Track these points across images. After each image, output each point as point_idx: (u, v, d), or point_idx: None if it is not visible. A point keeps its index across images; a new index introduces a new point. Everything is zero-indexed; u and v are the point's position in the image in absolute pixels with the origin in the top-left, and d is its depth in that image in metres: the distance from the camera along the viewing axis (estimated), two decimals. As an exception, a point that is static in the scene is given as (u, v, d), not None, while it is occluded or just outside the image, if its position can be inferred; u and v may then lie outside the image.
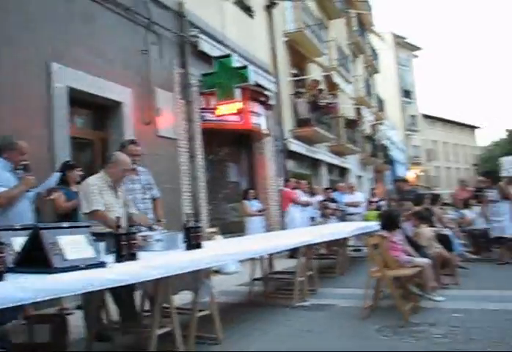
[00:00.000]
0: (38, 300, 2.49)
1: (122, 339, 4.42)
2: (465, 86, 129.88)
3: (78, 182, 5.43)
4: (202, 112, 10.20)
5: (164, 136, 8.79)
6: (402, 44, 41.66)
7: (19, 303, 2.38)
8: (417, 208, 7.91)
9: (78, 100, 7.04)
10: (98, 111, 7.83)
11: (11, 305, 2.31)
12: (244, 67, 10.27)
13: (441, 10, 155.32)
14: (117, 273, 3.00)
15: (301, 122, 15.33)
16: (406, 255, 5.94)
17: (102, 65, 7.36)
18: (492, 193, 9.35)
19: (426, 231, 6.86)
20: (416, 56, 46.42)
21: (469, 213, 10.57)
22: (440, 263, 6.69)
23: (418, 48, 45.47)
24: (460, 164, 54.64)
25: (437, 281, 6.47)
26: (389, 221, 6.10)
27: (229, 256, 4.47)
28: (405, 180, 13.88)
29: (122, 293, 4.37)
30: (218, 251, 4.32)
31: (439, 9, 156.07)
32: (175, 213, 8.38)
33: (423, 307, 5.49)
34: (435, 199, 9.66)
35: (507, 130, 43.53)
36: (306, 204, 12.18)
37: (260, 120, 11.74)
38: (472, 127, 58.87)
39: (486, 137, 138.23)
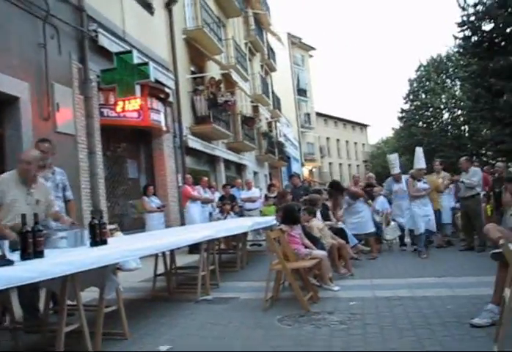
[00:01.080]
0: None
1: (27, 338, 4.36)
2: (357, 86, 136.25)
3: None
4: (102, 108, 10.06)
5: (63, 131, 8.64)
6: (297, 44, 42.91)
7: None
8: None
9: None
10: None
11: None
12: (145, 64, 10.20)
13: (334, 12, 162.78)
14: (25, 270, 2.99)
15: (199, 119, 15.51)
16: (305, 248, 6.18)
17: None
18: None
19: (316, 223, 7.19)
20: (311, 56, 47.82)
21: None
22: (336, 254, 7.06)
23: (312, 48, 46.99)
24: (352, 161, 57.43)
25: (337, 270, 6.93)
26: (289, 216, 6.36)
27: (134, 252, 4.48)
28: (297, 176, 14.58)
29: (26, 291, 4.33)
30: (123, 247, 4.33)
31: (332, 11, 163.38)
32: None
33: (322, 297, 5.72)
34: (332, 193, 9.93)
35: (393, 129, 46.16)
36: (206, 201, 12.31)
37: (159, 117, 11.73)
38: (363, 126, 61.64)
39: (376, 135, 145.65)
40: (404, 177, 10.24)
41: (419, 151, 9.65)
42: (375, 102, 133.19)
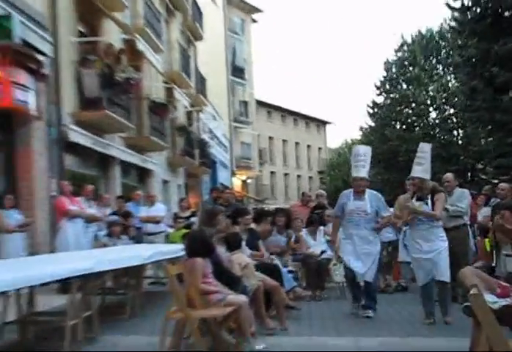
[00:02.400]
0: None
1: None
2: (315, 68, 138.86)
3: None
4: None
5: None
6: (236, 3, 44.36)
7: None
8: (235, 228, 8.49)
9: None
10: None
11: None
12: (7, 17, 10.28)
13: None
14: None
15: (87, 103, 15.50)
16: (217, 289, 6.35)
17: None
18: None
19: (239, 257, 7.43)
20: (255, 21, 49.45)
21: (308, 237, 11.50)
22: (263, 301, 7.23)
23: (258, 10, 48.58)
24: (302, 170, 59.48)
25: (263, 323, 7.05)
26: (198, 245, 6.48)
27: None
28: (224, 189, 14.71)
29: None
30: None
31: None
32: None
33: None
34: (262, 215, 10.38)
35: (361, 129, 47.47)
36: (91, 219, 12.41)
37: (26, 96, 11.65)
38: (321, 123, 64.09)
39: (338, 136, 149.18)
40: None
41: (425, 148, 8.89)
42: (339, 91, 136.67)
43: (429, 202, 8.17)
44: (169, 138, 24.17)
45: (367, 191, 8.93)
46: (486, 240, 10.23)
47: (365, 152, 9.07)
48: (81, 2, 15.94)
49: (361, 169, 8.88)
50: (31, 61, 11.80)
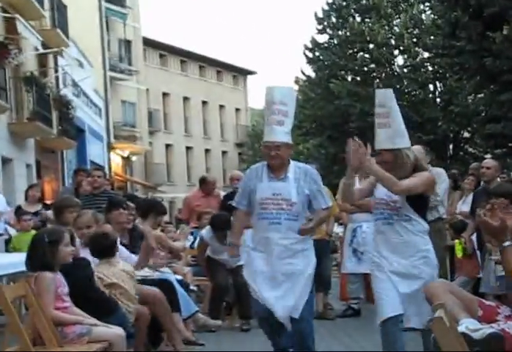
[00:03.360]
0: None
1: None
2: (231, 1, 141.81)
3: None
4: None
5: None
6: None
7: None
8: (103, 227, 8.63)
9: None
10: None
11: None
12: None
13: None
14: None
15: None
16: (78, 319, 6.39)
17: None
18: None
19: (115, 268, 7.54)
20: None
21: (212, 239, 11.65)
22: (144, 331, 7.48)
23: None
24: (213, 143, 60.55)
25: None
26: (41, 252, 6.53)
27: None
28: (95, 171, 14.80)
29: None
30: None
31: None
32: None
33: None
34: (149, 209, 10.48)
35: (297, 82, 48.11)
36: None
37: None
38: (242, 73, 65.43)
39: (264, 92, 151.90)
40: None
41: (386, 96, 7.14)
42: (264, 29, 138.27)
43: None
44: (12, 94, 24.50)
45: (293, 164, 7.42)
46: (457, 241, 10.66)
47: (285, 97, 7.41)
48: None
49: (278, 129, 7.31)
50: None
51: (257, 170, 7.49)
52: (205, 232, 11.80)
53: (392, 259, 6.60)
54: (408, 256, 6.54)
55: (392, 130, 6.59)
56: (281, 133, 7.17)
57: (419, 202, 6.59)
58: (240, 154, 59.72)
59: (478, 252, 11.21)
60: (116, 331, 6.41)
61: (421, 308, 6.31)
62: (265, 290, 7.17)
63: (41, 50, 29.14)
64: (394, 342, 6.55)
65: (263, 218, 7.20)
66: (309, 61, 43.86)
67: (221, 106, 61.93)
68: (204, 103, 59.90)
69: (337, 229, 14.72)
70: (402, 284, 6.51)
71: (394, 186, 6.40)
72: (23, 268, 8.41)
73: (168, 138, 54.39)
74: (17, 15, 24.27)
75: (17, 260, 9.40)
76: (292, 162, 7.37)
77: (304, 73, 45.59)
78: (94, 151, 37.18)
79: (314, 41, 43.32)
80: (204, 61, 60.37)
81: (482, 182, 12.32)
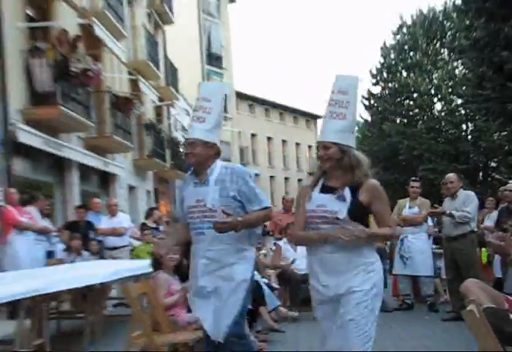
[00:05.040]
0: None
1: None
2: (302, 55, 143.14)
3: None
4: None
5: None
6: None
7: None
8: None
9: None
10: None
11: None
12: None
13: None
14: None
15: (39, 98, 15.60)
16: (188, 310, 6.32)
17: None
18: None
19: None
20: (232, 1, 51.27)
21: (288, 247, 11.84)
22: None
23: None
24: (291, 172, 60.38)
25: None
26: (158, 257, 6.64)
27: None
28: None
29: None
30: None
31: None
32: None
33: None
34: None
35: (356, 125, 47.83)
36: (43, 232, 12.29)
37: None
38: (312, 117, 64.64)
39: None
40: None
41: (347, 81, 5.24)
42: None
43: (347, 196, 4.85)
44: (136, 137, 24.54)
45: (219, 165, 5.56)
46: (483, 249, 10.65)
47: (210, 93, 5.66)
48: None
49: (196, 125, 5.53)
50: None
51: (186, 176, 5.77)
52: (283, 241, 12.17)
53: (330, 282, 4.80)
54: (347, 271, 4.74)
55: (347, 123, 4.82)
56: (198, 130, 5.39)
57: (363, 215, 4.82)
58: None
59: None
60: None
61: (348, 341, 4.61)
62: (197, 307, 5.49)
63: (157, 103, 29.76)
64: None
65: (191, 228, 5.53)
66: (366, 107, 43.42)
67: (297, 144, 61.79)
68: (283, 141, 59.68)
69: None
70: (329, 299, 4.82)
71: (392, 230, 4.95)
72: (143, 271, 9.25)
73: (255, 169, 52.89)
74: (140, 77, 24.90)
75: (139, 265, 9.77)
76: (219, 163, 5.51)
77: (362, 117, 44.87)
78: None
79: (370, 92, 42.97)
80: (283, 109, 60.20)
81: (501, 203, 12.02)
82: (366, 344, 4.56)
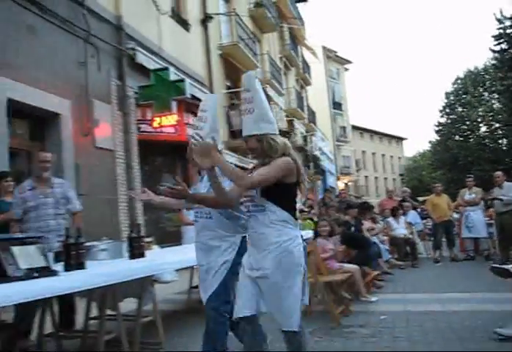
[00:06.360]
0: (1, 305, 2.97)
1: (64, 345, 4.94)
2: (393, 99, 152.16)
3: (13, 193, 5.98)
4: (139, 124, 11.33)
5: (102, 147, 9.74)
6: (332, 57, 47.41)
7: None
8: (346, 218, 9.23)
9: (18, 111, 7.88)
10: (37, 122, 8.73)
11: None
12: (181, 80, 11.46)
13: (371, 25, 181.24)
14: (69, 280, 3.54)
15: (234, 134, 16.55)
16: (337, 262, 6.85)
17: (41, 77, 8.26)
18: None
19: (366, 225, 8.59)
20: (346, 69, 52.58)
21: (393, 222, 11.85)
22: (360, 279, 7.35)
23: (348, 62, 52.02)
24: (387, 174, 61.96)
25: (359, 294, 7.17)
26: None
27: (171, 264, 5.07)
28: (331, 190, 17.45)
29: (66, 300, 5.09)
30: (160, 260, 4.93)
31: (369, 24, 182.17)
32: (111, 223, 9.55)
33: (354, 311, 6.35)
34: (366, 208, 10.76)
35: (430, 142, 51.10)
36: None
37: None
38: (399, 139, 66.49)
39: (412, 148, 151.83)
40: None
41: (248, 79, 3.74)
42: (411, 115, 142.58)
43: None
44: None
45: None
46: None
47: (204, 103, 4.43)
48: (227, 65, 17.71)
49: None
50: (197, 108, 11.62)
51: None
52: (390, 218, 11.72)
53: (250, 256, 3.56)
54: (262, 250, 3.42)
55: (256, 115, 3.51)
56: (198, 137, 4.02)
57: (277, 190, 3.38)
58: (402, 179, 59.96)
59: None
60: (355, 267, 6.81)
61: (281, 308, 3.36)
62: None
63: (304, 134, 31.53)
64: (250, 342, 3.60)
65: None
66: (436, 131, 45.17)
67: (391, 156, 62.97)
68: (382, 155, 60.95)
69: (454, 215, 12.98)
70: (259, 281, 3.46)
71: (239, 181, 3.36)
72: (306, 238, 6.91)
73: (365, 172, 55.88)
74: (293, 118, 27.59)
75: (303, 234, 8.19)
76: None
77: (434, 138, 47.18)
78: (330, 180, 37.63)
79: (438, 122, 45.18)
80: (381, 135, 61.63)
81: None
82: None
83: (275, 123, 3.63)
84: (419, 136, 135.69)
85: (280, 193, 3.42)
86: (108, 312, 4.48)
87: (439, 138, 45.43)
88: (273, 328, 3.65)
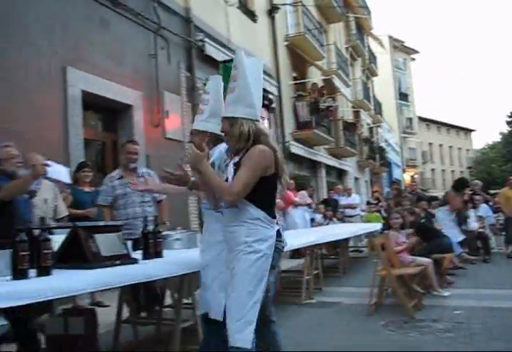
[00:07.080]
0: (87, 291, 3.06)
1: (142, 331, 5.07)
2: (461, 89, 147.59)
3: (91, 183, 6.57)
4: None
5: (172, 138, 9.95)
6: (399, 47, 46.82)
7: (71, 294, 2.89)
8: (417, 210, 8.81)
9: (92, 103, 8.19)
10: (110, 114, 9.04)
11: (62, 296, 2.75)
12: None
13: (439, 14, 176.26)
14: (150, 268, 3.58)
15: (301, 125, 16.88)
16: (409, 255, 6.76)
17: (114, 69, 8.52)
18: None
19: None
20: (413, 59, 51.65)
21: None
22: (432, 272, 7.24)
23: (415, 52, 51.22)
24: (455, 167, 60.57)
25: (431, 288, 7.06)
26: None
27: None
28: (398, 182, 17.06)
29: (149, 288, 5.20)
30: None
31: (437, 13, 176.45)
32: (182, 213, 9.67)
33: (426, 305, 6.28)
34: (433, 201, 10.57)
35: (501, 134, 49.88)
36: (309, 206, 13.17)
37: (263, 124, 12.19)
38: (468, 130, 64.83)
39: (481, 140, 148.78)
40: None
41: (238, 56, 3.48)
42: (481, 105, 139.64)
43: (231, 163, 3.28)
44: (358, 147, 25.18)
45: (222, 147, 3.72)
46: None
47: (209, 86, 4.08)
48: (294, 56, 17.76)
49: (197, 117, 3.98)
50: (264, 100, 11.15)
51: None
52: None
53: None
54: (232, 249, 3.11)
55: (235, 95, 3.19)
56: (196, 121, 3.89)
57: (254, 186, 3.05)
58: (470, 172, 57.46)
59: None
60: (427, 260, 6.66)
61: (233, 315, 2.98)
62: None
63: (370, 125, 30.99)
64: (205, 339, 3.69)
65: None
66: (508, 122, 45.45)
67: (459, 148, 61.37)
68: (450, 147, 59.52)
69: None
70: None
71: (226, 195, 3.04)
72: (372, 230, 9.99)
73: (432, 165, 55.09)
74: (359, 109, 27.00)
75: (370, 226, 10.61)
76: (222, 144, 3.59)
77: (506, 129, 47.03)
78: (396, 173, 36.87)
79: (511, 112, 45.70)
80: (449, 126, 60.14)
81: None
82: None
83: (256, 108, 3.25)
84: (489, 128, 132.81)
85: (255, 187, 3.06)
86: (184, 300, 4.50)
87: (510, 129, 46.15)
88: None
